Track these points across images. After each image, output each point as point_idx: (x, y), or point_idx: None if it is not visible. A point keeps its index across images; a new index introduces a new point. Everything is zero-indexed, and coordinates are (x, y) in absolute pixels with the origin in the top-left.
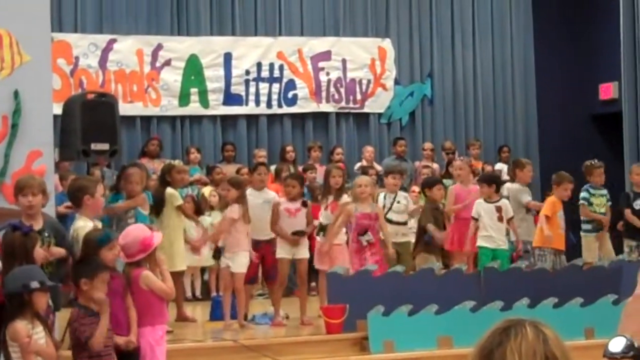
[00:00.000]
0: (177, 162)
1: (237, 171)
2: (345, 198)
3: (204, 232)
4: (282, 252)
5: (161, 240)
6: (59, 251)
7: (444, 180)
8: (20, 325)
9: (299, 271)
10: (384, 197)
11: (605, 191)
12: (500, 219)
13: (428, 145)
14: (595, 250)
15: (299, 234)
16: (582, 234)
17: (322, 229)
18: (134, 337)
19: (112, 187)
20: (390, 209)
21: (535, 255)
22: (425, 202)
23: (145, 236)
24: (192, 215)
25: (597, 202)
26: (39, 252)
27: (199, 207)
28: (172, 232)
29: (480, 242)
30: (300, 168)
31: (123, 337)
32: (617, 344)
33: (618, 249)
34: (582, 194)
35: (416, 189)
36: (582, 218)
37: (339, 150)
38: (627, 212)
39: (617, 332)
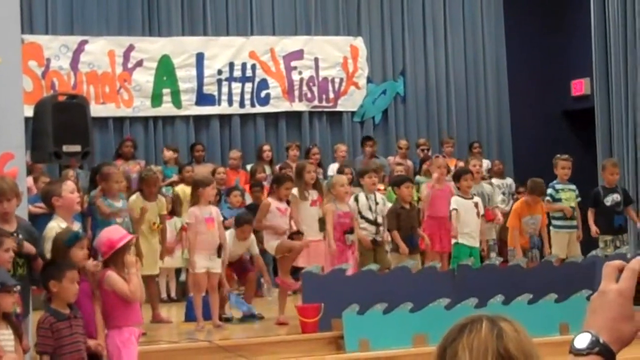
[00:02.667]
0: (150, 168)
1: (213, 172)
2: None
3: (177, 233)
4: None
5: (134, 242)
6: (30, 247)
7: (418, 177)
8: None
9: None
10: (366, 198)
11: (573, 186)
12: (477, 215)
13: (403, 143)
14: (565, 246)
15: (297, 234)
16: (551, 229)
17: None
18: (101, 340)
19: (88, 189)
20: (370, 208)
21: (508, 253)
22: (394, 202)
23: (109, 238)
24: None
25: (566, 196)
26: (2, 256)
27: (174, 207)
28: (147, 235)
29: (458, 239)
30: (277, 167)
31: (93, 340)
32: (582, 340)
33: (591, 244)
34: (548, 191)
35: (381, 186)
36: (550, 214)
37: (315, 150)
38: (590, 212)
39: (583, 328)
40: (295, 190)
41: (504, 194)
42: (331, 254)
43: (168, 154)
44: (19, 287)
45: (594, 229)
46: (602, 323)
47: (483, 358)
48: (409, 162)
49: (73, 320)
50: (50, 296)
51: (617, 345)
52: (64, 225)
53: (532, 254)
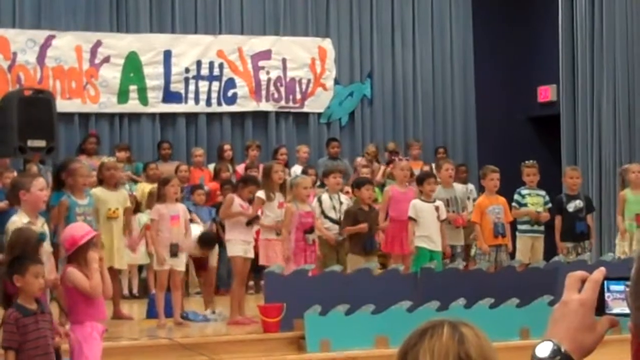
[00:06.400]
0: (107, 159)
1: (176, 169)
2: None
3: (140, 230)
4: (237, 250)
5: (98, 238)
6: None
7: (388, 180)
8: None
9: (245, 269)
10: (330, 198)
11: (542, 192)
12: (437, 219)
13: (371, 148)
14: (528, 251)
15: (253, 221)
16: (517, 234)
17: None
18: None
19: (53, 185)
20: (333, 207)
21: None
22: (353, 203)
23: (73, 234)
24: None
25: (533, 201)
26: None
27: (136, 205)
28: (110, 233)
29: (418, 243)
30: (242, 166)
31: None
32: (544, 349)
33: (553, 250)
34: (514, 197)
35: (349, 189)
36: (516, 220)
37: (283, 150)
38: (558, 219)
39: (544, 337)
40: (261, 192)
41: (468, 199)
42: (288, 253)
43: (120, 154)
44: None
45: (558, 240)
46: (564, 333)
47: None
48: (376, 165)
49: (40, 316)
50: (8, 293)
51: (578, 354)
52: (26, 220)
53: (498, 257)
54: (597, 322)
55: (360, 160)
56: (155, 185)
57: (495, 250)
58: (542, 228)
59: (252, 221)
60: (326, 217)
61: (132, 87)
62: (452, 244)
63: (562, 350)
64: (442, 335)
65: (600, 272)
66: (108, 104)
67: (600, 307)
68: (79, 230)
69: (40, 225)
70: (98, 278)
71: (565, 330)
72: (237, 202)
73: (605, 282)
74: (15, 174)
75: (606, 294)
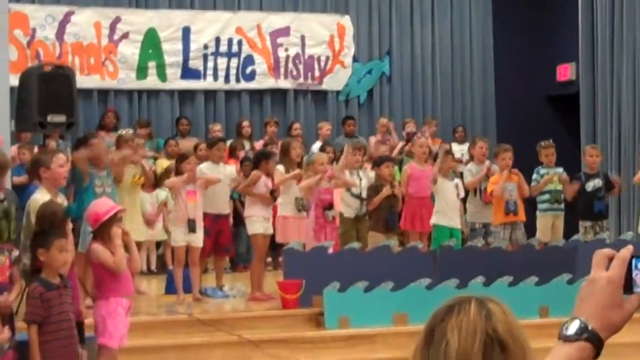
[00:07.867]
0: (125, 132)
1: (195, 146)
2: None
3: (158, 206)
4: (257, 227)
5: (122, 213)
6: None
7: (406, 158)
8: None
9: (265, 246)
10: (349, 174)
11: (560, 169)
12: (457, 196)
13: (383, 120)
14: (549, 229)
15: (274, 193)
16: (537, 213)
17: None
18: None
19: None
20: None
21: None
22: (375, 180)
23: (97, 211)
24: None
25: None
26: None
27: (155, 181)
28: (129, 206)
29: (437, 220)
30: (260, 143)
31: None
32: (571, 327)
33: (573, 229)
34: (533, 176)
35: (369, 166)
36: (537, 198)
37: (296, 125)
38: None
39: (572, 315)
40: (281, 167)
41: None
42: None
43: (141, 131)
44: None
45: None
46: (592, 310)
47: (471, 339)
48: (393, 136)
49: (62, 290)
50: (33, 266)
51: (606, 332)
52: (47, 197)
53: (513, 235)
54: (625, 300)
55: (374, 139)
56: (173, 162)
57: (509, 228)
58: (562, 206)
59: (272, 193)
60: (347, 191)
61: (151, 64)
62: (486, 221)
63: (590, 328)
64: (469, 311)
65: (628, 250)
66: (127, 80)
67: (628, 285)
68: (102, 206)
69: (61, 202)
70: (122, 253)
71: (593, 307)
72: (263, 181)
73: (634, 260)
74: (35, 149)
75: (634, 272)
